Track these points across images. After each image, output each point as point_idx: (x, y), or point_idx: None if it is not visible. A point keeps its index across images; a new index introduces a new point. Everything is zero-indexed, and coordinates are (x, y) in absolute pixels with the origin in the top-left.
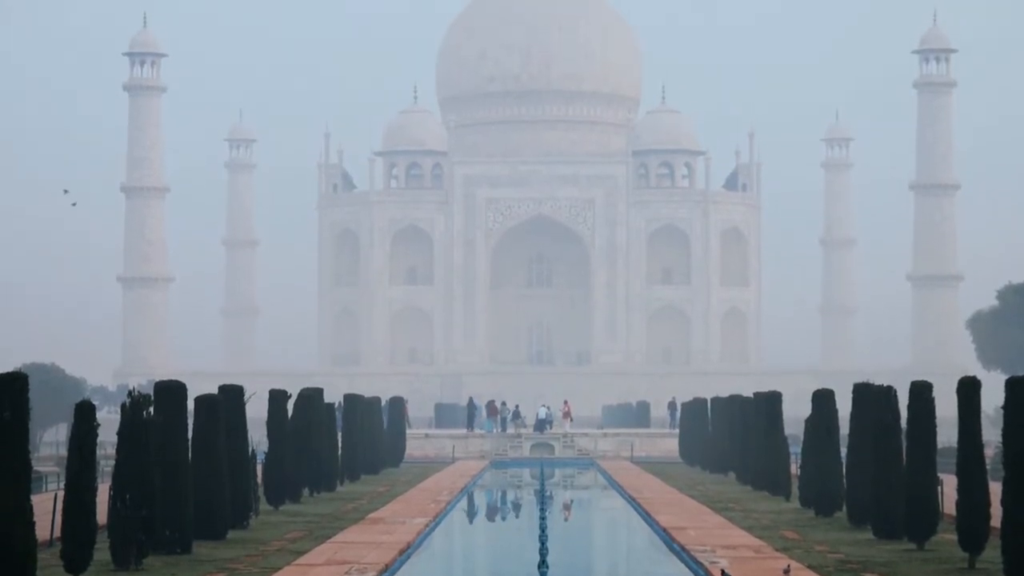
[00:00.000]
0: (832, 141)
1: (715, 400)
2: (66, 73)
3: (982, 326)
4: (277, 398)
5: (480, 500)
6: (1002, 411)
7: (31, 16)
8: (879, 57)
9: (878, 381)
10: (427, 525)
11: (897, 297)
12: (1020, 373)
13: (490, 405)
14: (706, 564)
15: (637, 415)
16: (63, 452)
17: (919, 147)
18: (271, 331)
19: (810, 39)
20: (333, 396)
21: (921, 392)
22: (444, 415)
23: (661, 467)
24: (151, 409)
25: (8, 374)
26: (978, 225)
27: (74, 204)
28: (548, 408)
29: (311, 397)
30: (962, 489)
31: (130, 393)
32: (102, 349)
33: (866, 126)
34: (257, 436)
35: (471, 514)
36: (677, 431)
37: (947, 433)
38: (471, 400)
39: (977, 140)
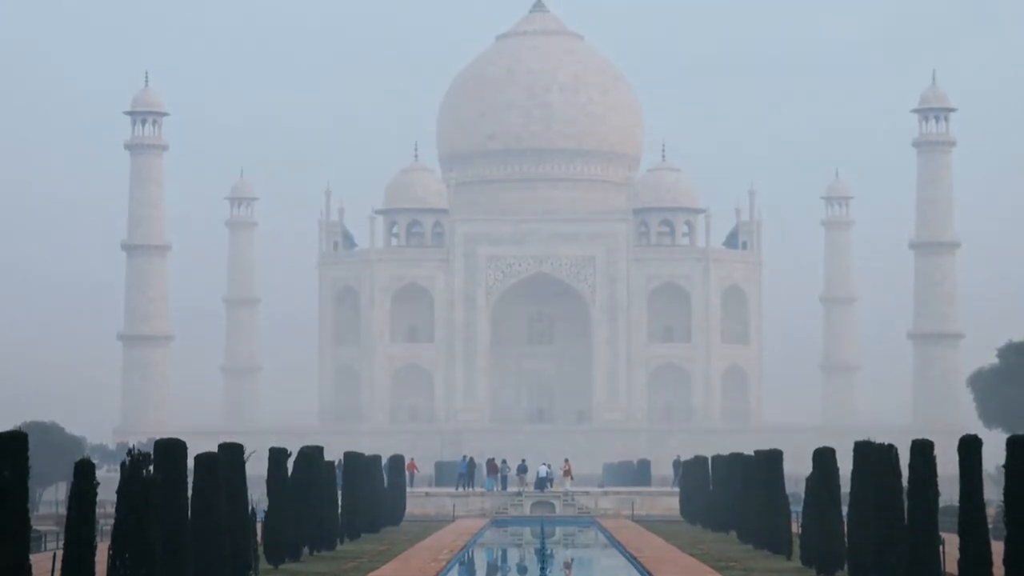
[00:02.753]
0: (832, 199)
1: (716, 458)
2: (67, 132)
3: (983, 384)
4: (277, 456)
5: (480, 559)
6: (1004, 470)
7: (33, 74)
8: (879, 116)
9: (879, 439)
10: None
11: (898, 355)
12: (1021, 431)
13: (490, 463)
14: None
15: (638, 473)
16: (62, 511)
17: (919, 205)
18: (271, 389)
19: (810, 98)
20: (333, 454)
21: (922, 450)
22: (444, 473)
23: (662, 526)
24: (151, 468)
25: (8, 433)
26: (979, 283)
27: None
28: (549, 466)
29: (311, 455)
30: (964, 548)
31: (130, 452)
32: (102, 407)
33: (866, 184)
34: (257, 494)
35: (471, 573)
36: (678, 489)
37: (949, 491)
38: (470, 459)
39: (977, 198)
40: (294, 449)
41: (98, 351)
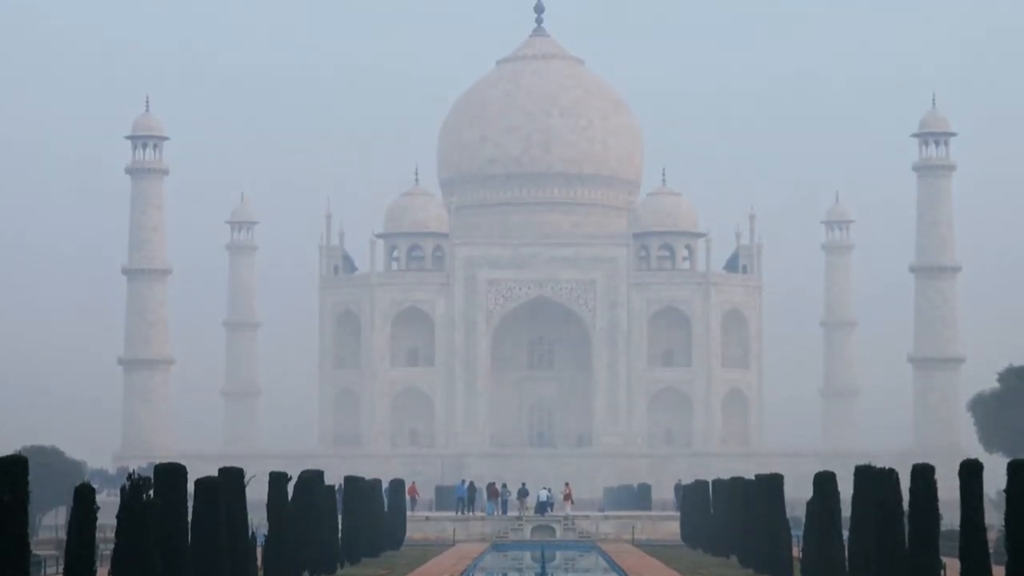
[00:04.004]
0: (832, 223)
1: (717, 482)
2: (68, 156)
3: (984, 408)
4: (277, 480)
5: None
6: (1004, 494)
7: (34, 98)
8: (879, 140)
9: (880, 463)
10: None
11: (898, 379)
12: (1022, 456)
13: (491, 487)
14: None
15: (638, 497)
16: (62, 535)
17: (919, 229)
18: (272, 412)
19: (810, 122)
20: (334, 478)
21: (923, 475)
22: (445, 497)
23: (663, 550)
24: (151, 492)
25: (7, 457)
26: (979, 307)
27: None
28: (549, 490)
29: (311, 479)
30: (965, 573)
31: (130, 476)
32: (102, 431)
33: (866, 208)
34: (257, 518)
35: None
36: (679, 514)
37: (949, 516)
38: (471, 484)
39: (977, 222)
40: (294, 473)
41: (98, 375)
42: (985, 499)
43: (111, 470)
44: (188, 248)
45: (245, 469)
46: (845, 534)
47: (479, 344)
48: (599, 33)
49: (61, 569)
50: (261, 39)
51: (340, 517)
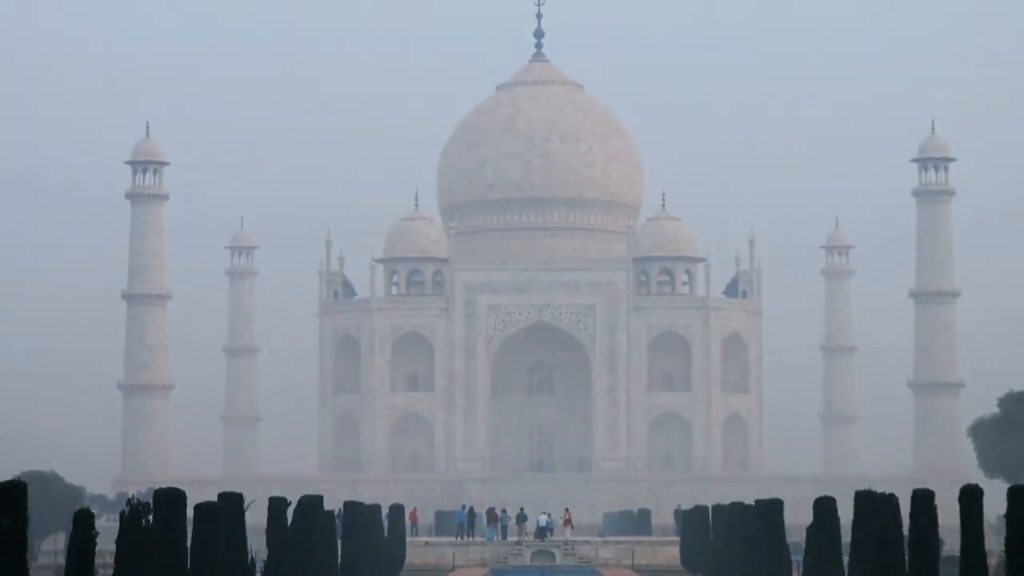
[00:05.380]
0: (832, 248)
1: (716, 507)
2: (68, 181)
3: (984, 434)
4: (277, 506)
5: None
6: (1005, 520)
7: (35, 124)
8: (878, 165)
9: (880, 488)
10: None
11: (898, 404)
12: (1022, 481)
13: (490, 512)
14: None
15: (638, 522)
16: (61, 561)
17: (919, 254)
18: (271, 438)
19: (809, 147)
20: (333, 503)
21: (923, 500)
22: (444, 522)
23: (663, 575)
24: (150, 517)
25: (7, 482)
26: (979, 332)
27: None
28: (549, 515)
29: (311, 505)
30: None
31: (129, 501)
32: (102, 457)
33: (866, 234)
34: (257, 544)
35: None
36: (679, 538)
37: (950, 541)
38: (470, 509)
39: (977, 247)
40: (294, 498)
41: (98, 400)
42: (985, 524)
43: (110, 495)
44: (188, 273)
45: (244, 494)
46: (845, 559)
47: (479, 369)
48: (598, 58)
49: None
50: (261, 65)
51: (340, 542)
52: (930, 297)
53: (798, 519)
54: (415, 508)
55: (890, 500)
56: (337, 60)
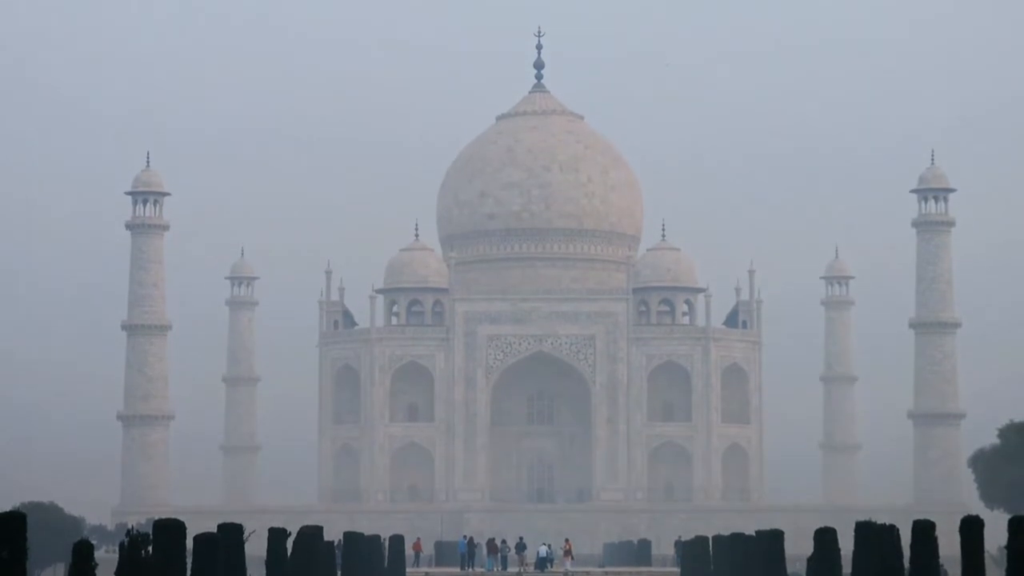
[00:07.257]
0: (832, 279)
1: (717, 538)
2: (68, 212)
3: (984, 464)
4: (276, 536)
5: None
6: (1005, 550)
7: (34, 155)
8: (878, 195)
9: (880, 519)
10: None
11: (898, 434)
12: (1023, 512)
13: (490, 543)
14: None
15: (639, 553)
16: None
17: (919, 285)
18: (271, 468)
19: (809, 178)
20: (333, 533)
21: (924, 531)
22: (445, 553)
23: None
24: (150, 548)
25: (6, 513)
26: (979, 363)
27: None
28: (549, 546)
29: (311, 535)
30: None
31: (128, 532)
32: (101, 487)
33: (866, 264)
34: (256, 574)
35: None
36: (679, 570)
37: (951, 572)
38: (470, 539)
39: (977, 278)
40: (294, 529)
41: (97, 431)
42: (986, 555)
43: (110, 526)
44: (188, 303)
45: (244, 525)
46: None
47: (479, 399)
48: (598, 89)
49: None
50: (262, 95)
51: (339, 573)
52: (930, 327)
53: (798, 550)
54: (419, 539)
55: (891, 531)
56: (337, 91)
